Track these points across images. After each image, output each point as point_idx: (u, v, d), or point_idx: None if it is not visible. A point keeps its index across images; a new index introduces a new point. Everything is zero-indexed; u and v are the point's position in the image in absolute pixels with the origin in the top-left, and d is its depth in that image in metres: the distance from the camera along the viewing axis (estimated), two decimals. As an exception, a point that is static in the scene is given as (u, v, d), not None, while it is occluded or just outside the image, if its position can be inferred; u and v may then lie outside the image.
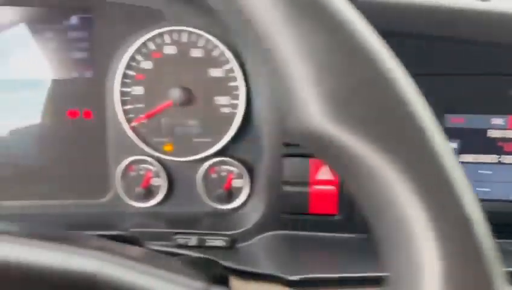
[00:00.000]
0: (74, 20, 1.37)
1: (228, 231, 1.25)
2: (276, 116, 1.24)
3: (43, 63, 1.36)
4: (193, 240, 1.22)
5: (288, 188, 1.21)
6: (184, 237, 1.23)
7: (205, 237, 1.22)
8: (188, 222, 1.38)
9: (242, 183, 1.40)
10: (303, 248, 1.20)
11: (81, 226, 1.36)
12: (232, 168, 1.40)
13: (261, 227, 1.24)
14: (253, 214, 1.25)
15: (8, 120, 1.36)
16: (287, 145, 1.19)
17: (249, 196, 1.40)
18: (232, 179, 1.39)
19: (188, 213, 1.42)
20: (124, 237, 1.23)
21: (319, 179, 1.20)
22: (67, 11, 1.35)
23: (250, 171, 1.40)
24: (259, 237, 1.24)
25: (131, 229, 1.26)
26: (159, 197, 1.41)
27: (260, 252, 1.20)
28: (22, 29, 1.34)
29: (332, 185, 1.20)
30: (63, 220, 1.39)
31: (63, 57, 1.37)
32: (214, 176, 1.40)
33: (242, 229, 1.24)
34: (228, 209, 1.41)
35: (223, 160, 1.39)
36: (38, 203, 1.40)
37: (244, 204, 1.40)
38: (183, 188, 1.42)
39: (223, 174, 1.40)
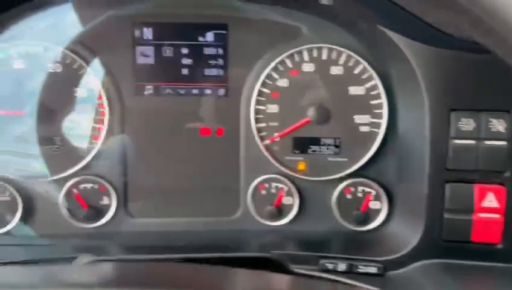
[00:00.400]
0: (210, 36, 1.34)
1: (378, 256, 1.21)
2: (437, 140, 1.16)
3: (178, 81, 1.35)
4: (342, 266, 1.18)
5: (449, 215, 1.14)
6: (332, 261, 1.19)
7: (356, 263, 1.18)
8: (322, 243, 1.34)
9: (380, 205, 1.35)
10: (463, 278, 1.14)
11: (213, 243, 1.36)
12: (369, 190, 1.35)
13: (417, 254, 1.18)
14: (409, 240, 1.19)
15: (143, 138, 1.37)
16: (449, 170, 1.12)
17: (387, 219, 1.35)
18: (369, 200, 1.34)
19: (319, 233, 1.38)
20: (268, 260, 1.21)
21: (483, 207, 1.12)
22: (204, 27, 1.33)
23: (388, 192, 1.35)
24: (414, 264, 1.18)
25: (273, 251, 1.24)
26: (290, 216, 1.38)
27: (417, 281, 1.14)
28: (157, 46, 1.33)
29: (498, 213, 1.13)
30: (192, 237, 1.39)
31: (197, 74, 1.35)
32: (349, 196, 1.35)
33: (396, 256, 1.19)
34: (364, 231, 1.36)
35: (360, 181, 1.35)
36: (169, 221, 1.41)
37: (381, 226, 1.35)
38: (315, 208, 1.39)
39: (359, 195, 1.35)
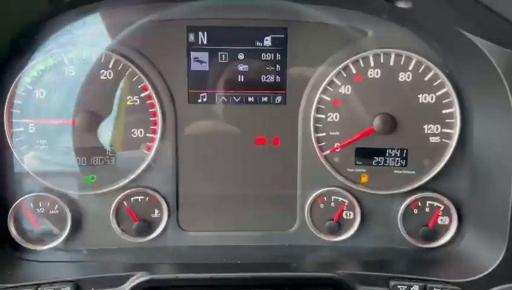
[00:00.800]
0: (268, 41, 1.27)
1: (452, 277, 1.12)
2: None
3: (233, 88, 1.28)
4: (416, 288, 1.10)
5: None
6: (404, 283, 1.11)
7: (430, 285, 1.09)
8: (387, 261, 1.26)
9: (448, 221, 1.26)
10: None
11: (269, 260, 1.28)
12: (438, 204, 1.26)
13: (497, 277, 1.09)
14: (487, 261, 1.10)
15: (196, 148, 1.30)
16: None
17: (456, 235, 1.26)
18: (438, 216, 1.25)
19: (382, 250, 1.30)
20: (334, 280, 1.13)
21: None
22: (262, 31, 1.25)
23: (457, 207, 1.26)
24: (494, 289, 1.09)
25: (339, 271, 1.16)
26: (350, 231, 1.30)
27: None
28: (212, 52, 1.26)
29: None
30: (247, 252, 1.32)
31: (253, 81, 1.28)
32: (415, 211, 1.27)
33: (474, 278, 1.10)
34: (431, 248, 1.28)
35: (428, 195, 1.26)
36: (221, 235, 1.34)
37: (449, 244, 1.27)
38: (378, 223, 1.30)
39: (427, 210, 1.26)
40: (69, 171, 1.26)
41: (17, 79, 1.20)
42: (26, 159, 1.24)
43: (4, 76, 1.20)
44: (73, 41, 1.21)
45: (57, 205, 1.25)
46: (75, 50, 1.21)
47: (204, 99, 1.28)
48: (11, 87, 1.20)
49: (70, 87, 1.23)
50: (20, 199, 1.24)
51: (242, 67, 1.28)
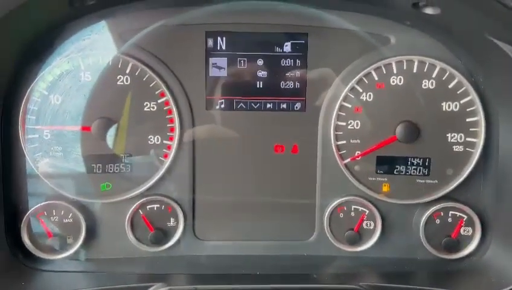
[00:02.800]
0: (288, 46, 1.24)
1: None
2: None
3: (251, 94, 1.26)
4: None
5: None
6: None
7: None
8: (409, 273, 1.23)
9: (472, 232, 1.24)
10: None
11: (288, 270, 1.25)
12: (461, 214, 1.23)
13: None
14: None
15: (214, 155, 1.27)
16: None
17: (479, 247, 1.23)
18: (461, 226, 1.23)
19: (403, 261, 1.27)
20: (357, 293, 1.10)
21: None
22: (282, 36, 1.23)
23: (481, 218, 1.23)
24: None
25: (362, 283, 1.13)
26: (370, 242, 1.27)
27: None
28: (231, 57, 1.24)
29: None
30: (264, 262, 1.28)
31: (272, 88, 1.25)
32: (437, 221, 1.24)
33: None
34: (453, 259, 1.25)
35: (451, 205, 1.23)
36: (238, 244, 1.30)
37: (472, 255, 1.24)
38: (399, 234, 1.27)
39: (449, 220, 1.24)
40: (84, 178, 1.23)
41: (32, 84, 1.17)
42: (41, 166, 1.21)
43: (20, 81, 1.18)
44: (90, 46, 1.19)
45: (71, 213, 1.22)
46: (92, 55, 1.19)
47: (222, 106, 1.26)
48: (27, 93, 1.17)
49: (87, 93, 1.20)
50: (33, 207, 1.21)
51: (261, 73, 1.25)
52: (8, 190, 1.21)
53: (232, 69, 1.24)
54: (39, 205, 1.21)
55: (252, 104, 1.26)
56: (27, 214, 1.21)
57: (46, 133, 1.20)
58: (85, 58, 1.19)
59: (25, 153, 1.20)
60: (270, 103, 1.26)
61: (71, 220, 1.23)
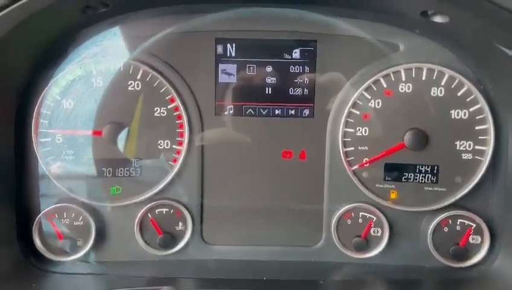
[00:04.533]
0: (297, 53, 1.25)
1: None
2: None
3: (260, 100, 1.27)
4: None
5: None
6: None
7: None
8: (417, 281, 1.23)
9: (480, 240, 1.23)
10: None
11: (295, 277, 1.25)
12: (469, 223, 1.22)
13: None
14: None
15: (222, 160, 1.28)
16: None
17: (487, 255, 1.22)
18: (470, 234, 1.22)
19: (410, 268, 1.27)
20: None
21: None
22: (291, 43, 1.24)
23: (489, 226, 1.23)
24: None
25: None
26: (378, 249, 1.27)
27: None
28: (240, 64, 1.25)
29: None
30: (271, 268, 1.29)
31: (281, 94, 1.26)
32: (445, 229, 1.23)
33: None
34: (461, 267, 1.24)
35: (460, 213, 1.23)
36: (245, 249, 1.31)
37: (481, 264, 1.23)
38: (407, 241, 1.27)
39: (458, 228, 1.23)
40: (94, 182, 1.25)
41: (46, 89, 1.20)
42: (52, 169, 1.23)
43: (34, 86, 1.20)
44: (102, 52, 1.21)
45: (81, 216, 1.24)
46: (103, 61, 1.21)
47: (231, 112, 1.27)
48: (40, 98, 1.20)
49: (98, 97, 1.22)
50: (45, 210, 1.23)
51: (270, 79, 1.26)
52: (20, 192, 1.23)
53: (241, 75, 1.25)
54: (50, 207, 1.23)
55: (261, 110, 1.27)
56: (38, 216, 1.23)
57: (58, 137, 1.23)
58: (97, 64, 1.21)
59: (38, 156, 1.22)
60: (278, 109, 1.27)
61: (81, 223, 1.24)
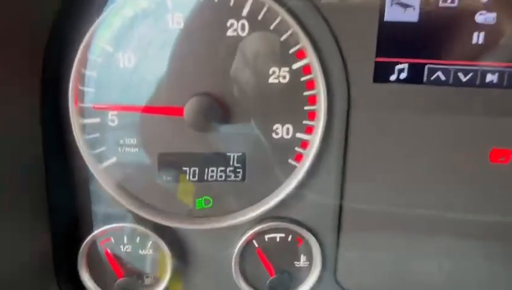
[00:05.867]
0: None
1: None
2: None
3: (459, 57, 0.71)
4: None
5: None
6: None
7: None
8: None
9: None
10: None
11: None
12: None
13: None
14: None
15: (382, 160, 0.78)
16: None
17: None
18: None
19: None
20: None
21: None
22: None
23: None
24: None
25: None
26: None
27: None
28: None
29: None
30: None
31: (502, 47, 0.71)
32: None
33: None
34: None
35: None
36: None
37: None
38: None
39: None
40: (171, 190, 0.79)
41: (88, 35, 0.71)
42: (104, 170, 0.77)
43: (68, 30, 0.71)
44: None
45: (150, 242, 0.82)
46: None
47: (404, 76, 0.75)
48: (79, 50, 0.72)
49: (177, 50, 0.72)
50: (94, 232, 0.80)
51: (481, 18, 0.71)
52: (54, 206, 0.80)
53: (426, 10, 0.71)
54: (102, 228, 0.80)
55: (459, 75, 0.75)
56: (85, 242, 0.80)
57: (112, 117, 0.75)
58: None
59: (79, 148, 0.76)
60: (494, 73, 0.74)
61: (150, 252, 0.82)
